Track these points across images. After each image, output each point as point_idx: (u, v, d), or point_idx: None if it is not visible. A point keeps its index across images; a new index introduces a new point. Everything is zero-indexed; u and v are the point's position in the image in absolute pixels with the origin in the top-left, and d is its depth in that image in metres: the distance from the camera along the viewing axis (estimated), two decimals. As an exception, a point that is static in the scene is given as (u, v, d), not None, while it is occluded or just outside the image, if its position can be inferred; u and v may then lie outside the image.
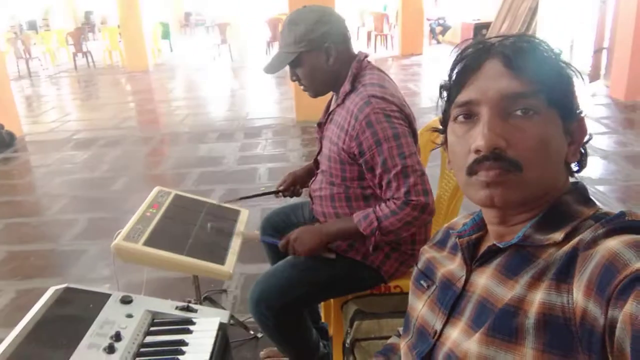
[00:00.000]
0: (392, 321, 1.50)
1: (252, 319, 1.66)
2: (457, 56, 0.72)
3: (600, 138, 4.57)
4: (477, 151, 0.68)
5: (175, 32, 18.45)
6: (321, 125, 1.69)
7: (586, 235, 0.63)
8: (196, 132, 5.75)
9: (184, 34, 20.13)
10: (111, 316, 1.08)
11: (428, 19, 12.69)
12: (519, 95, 0.67)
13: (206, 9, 20.75)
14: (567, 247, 0.64)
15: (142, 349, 1.04)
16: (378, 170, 1.44)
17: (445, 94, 0.75)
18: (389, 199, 1.44)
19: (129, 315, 1.10)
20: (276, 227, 1.91)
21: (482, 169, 0.68)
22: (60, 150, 5.41)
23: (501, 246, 0.71)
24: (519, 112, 0.67)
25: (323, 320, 2.02)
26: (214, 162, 4.64)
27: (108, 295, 1.16)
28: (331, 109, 1.62)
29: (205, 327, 1.11)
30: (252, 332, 2.18)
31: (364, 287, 1.63)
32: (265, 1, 18.57)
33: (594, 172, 3.83)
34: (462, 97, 0.71)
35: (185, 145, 5.34)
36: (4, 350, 0.95)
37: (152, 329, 1.11)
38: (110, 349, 0.98)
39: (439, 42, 12.78)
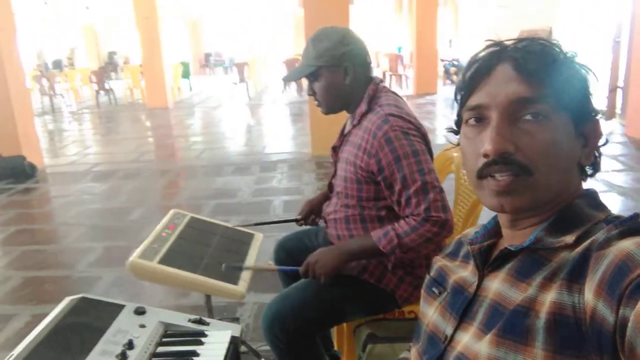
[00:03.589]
0: (406, 345, 1.47)
1: (264, 347, 1.64)
2: (471, 59, 0.73)
3: (617, 175, 4.54)
4: (485, 155, 0.69)
5: (195, 72, 18.96)
6: (336, 149, 1.72)
7: (599, 236, 0.63)
8: (212, 166, 5.83)
9: (203, 74, 20.65)
10: (124, 326, 1.09)
11: (442, 60, 12.90)
12: (528, 99, 0.67)
13: (225, 50, 21.34)
14: (580, 249, 0.63)
15: (153, 359, 1.04)
16: (397, 187, 1.44)
17: (459, 97, 0.76)
18: (408, 216, 1.44)
19: (142, 326, 1.10)
20: (290, 252, 1.91)
21: (492, 172, 0.69)
22: (79, 181, 5.51)
23: (512, 249, 0.71)
24: (528, 117, 0.68)
25: (336, 347, 1.99)
26: (230, 194, 4.68)
27: (122, 306, 1.17)
28: (346, 130, 1.65)
29: (217, 339, 1.11)
30: (263, 360, 2.15)
31: (377, 311, 1.61)
32: (283, 43, 19.08)
33: (613, 208, 3.76)
34: (473, 100, 0.72)
35: (202, 178, 5.41)
36: (18, 354, 0.96)
37: (164, 339, 1.11)
38: (123, 356, 0.99)
39: (453, 82, 12.93)
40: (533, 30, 8.29)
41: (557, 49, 0.70)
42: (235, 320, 2.55)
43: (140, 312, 1.15)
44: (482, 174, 0.70)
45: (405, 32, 18.11)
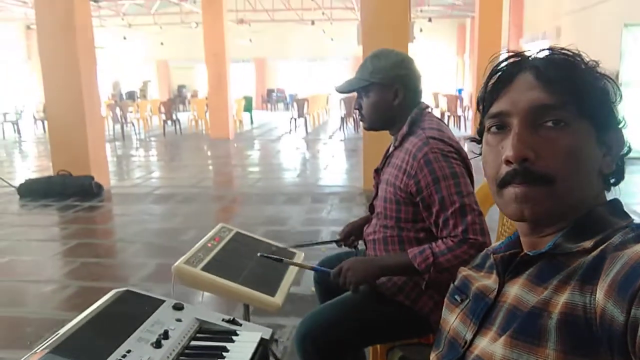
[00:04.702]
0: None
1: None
2: (493, 69, 0.75)
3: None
4: (507, 162, 0.69)
5: (257, 106, 19.64)
6: (378, 171, 1.75)
7: (616, 239, 0.63)
8: (266, 194, 5.97)
9: (265, 109, 21.33)
10: (162, 318, 1.15)
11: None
12: (549, 106, 0.68)
13: (287, 87, 22.02)
14: (596, 252, 0.63)
15: (186, 350, 1.09)
16: (435, 208, 1.45)
17: (481, 106, 0.78)
18: (446, 237, 1.44)
19: (179, 320, 1.16)
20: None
21: (513, 183, 0.69)
22: (140, 202, 5.79)
23: (531, 254, 0.71)
24: (549, 124, 0.68)
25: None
26: (280, 222, 4.77)
27: (162, 301, 1.23)
28: (388, 152, 1.68)
29: (247, 339, 1.15)
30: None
31: (410, 335, 1.60)
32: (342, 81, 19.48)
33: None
34: (495, 108, 0.73)
35: (255, 205, 5.55)
36: (62, 333, 1.04)
37: (198, 335, 1.16)
38: (158, 344, 1.04)
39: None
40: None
41: (578, 59, 0.70)
42: (275, 341, 2.57)
43: (178, 307, 1.21)
44: (503, 183, 0.71)
45: (466, 75, 18.08)
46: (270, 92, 22.08)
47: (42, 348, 0.97)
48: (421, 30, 17.73)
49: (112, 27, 18.82)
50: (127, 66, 22.19)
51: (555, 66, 0.70)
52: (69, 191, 5.90)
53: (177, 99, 17.85)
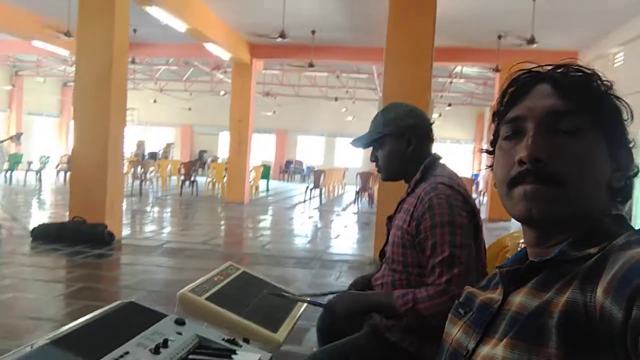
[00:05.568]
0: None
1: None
2: (510, 82, 0.77)
3: None
4: (520, 162, 0.71)
5: (274, 175, 19.95)
6: (391, 218, 1.77)
7: (620, 240, 0.63)
8: (275, 256, 5.94)
9: (282, 179, 21.63)
10: (163, 329, 1.14)
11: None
12: (564, 113, 0.70)
13: (306, 159, 22.44)
14: (599, 254, 0.64)
15: (183, 362, 1.07)
16: (427, 253, 1.47)
17: (496, 117, 0.80)
18: (430, 284, 1.44)
19: (179, 333, 1.15)
20: (333, 321, 1.90)
21: (524, 181, 0.71)
22: (149, 254, 5.79)
23: (537, 260, 0.71)
24: (563, 131, 0.70)
25: None
26: (286, 282, 4.68)
27: (165, 315, 1.22)
28: (401, 199, 1.71)
29: (246, 358, 1.13)
30: None
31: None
32: (360, 157, 19.89)
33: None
34: (511, 114, 0.75)
35: (262, 265, 5.50)
36: (63, 329, 1.03)
37: (197, 350, 1.14)
38: (156, 351, 1.03)
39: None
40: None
41: (594, 77, 0.73)
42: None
43: (180, 322, 1.20)
44: (513, 183, 0.72)
45: (482, 161, 18.28)
46: (288, 163, 22.49)
47: (43, 340, 0.97)
48: (440, 115, 18.23)
49: (145, 90, 19.67)
50: (153, 127, 22.94)
51: (572, 78, 0.73)
52: (81, 237, 5.94)
53: (197, 162, 18.23)
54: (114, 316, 1.16)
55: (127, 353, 0.99)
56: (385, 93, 5.80)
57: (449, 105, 17.81)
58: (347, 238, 7.97)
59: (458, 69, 13.86)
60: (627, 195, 0.75)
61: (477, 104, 19.12)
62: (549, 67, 0.76)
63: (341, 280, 4.96)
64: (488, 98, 16.45)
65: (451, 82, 15.25)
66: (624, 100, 0.74)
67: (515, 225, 7.36)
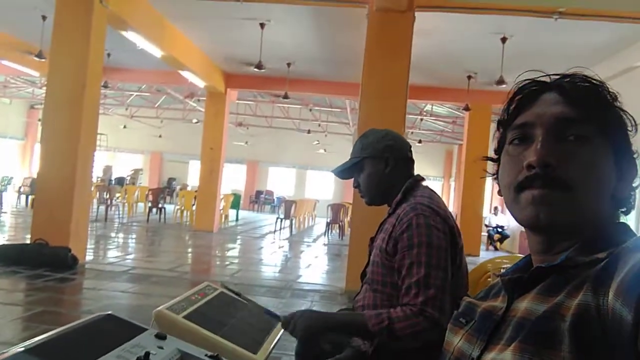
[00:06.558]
0: None
1: None
2: (518, 90, 0.78)
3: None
4: (529, 167, 0.71)
5: (244, 205, 19.75)
6: (372, 240, 1.76)
7: (629, 243, 0.63)
8: (244, 285, 5.81)
9: (251, 209, 21.43)
10: (144, 343, 1.08)
11: (487, 226, 12.95)
12: (573, 120, 0.71)
13: (276, 190, 22.35)
14: (608, 258, 0.64)
15: (165, 376, 1.02)
16: (403, 273, 1.46)
17: (501, 126, 0.80)
18: (404, 304, 1.43)
19: (160, 347, 1.09)
20: (312, 345, 1.86)
21: (531, 186, 0.71)
22: (114, 279, 5.59)
23: (544, 266, 0.71)
24: (571, 138, 0.71)
25: None
26: (257, 312, 4.60)
27: (145, 329, 1.17)
28: (383, 219, 1.71)
29: (231, 374, 1.08)
30: None
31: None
32: (331, 189, 19.95)
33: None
34: (519, 120, 0.76)
35: (232, 294, 5.37)
36: (38, 339, 0.97)
37: (178, 364, 1.09)
38: (137, 363, 0.98)
39: (496, 249, 12.80)
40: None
41: (602, 86, 0.74)
42: None
43: (161, 336, 1.15)
44: (521, 187, 0.72)
45: (451, 197, 18.58)
46: (259, 193, 22.35)
47: (16, 348, 0.91)
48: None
49: (115, 116, 19.40)
50: (122, 153, 22.56)
51: (579, 86, 0.74)
52: (42, 260, 5.69)
53: (165, 190, 17.92)
54: (93, 327, 1.11)
55: (106, 364, 0.94)
56: (360, 127, 5.87)
57: (420, 141, 18.13)
58: (318, 268, 7.89)
59: (428, 107, 14.19)
60: (630, 205, 0.76)
61: (446, 141, 19.54)
62: (556, 77, 0.77)
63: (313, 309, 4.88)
64: (457, 136, 16.83)
65: (422, 120, 15.58)
66: (628, 113, 0.75)
67: (484, 259, 7.41)
